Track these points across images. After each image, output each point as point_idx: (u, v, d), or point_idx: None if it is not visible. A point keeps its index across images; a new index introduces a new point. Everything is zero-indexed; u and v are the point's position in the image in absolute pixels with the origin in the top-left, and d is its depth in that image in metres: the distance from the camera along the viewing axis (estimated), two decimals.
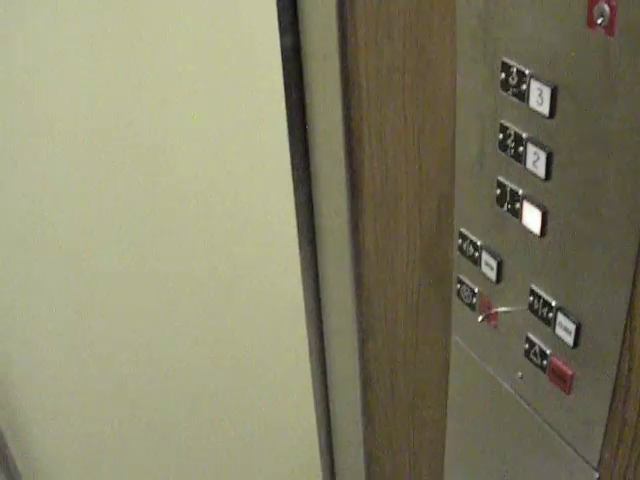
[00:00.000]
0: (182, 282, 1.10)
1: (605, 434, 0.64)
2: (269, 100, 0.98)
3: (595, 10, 0.50)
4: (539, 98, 0.58)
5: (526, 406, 0.73)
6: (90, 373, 1.10)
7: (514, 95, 0.60)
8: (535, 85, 0.58)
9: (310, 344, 1.21)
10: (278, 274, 1.15)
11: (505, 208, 0.66)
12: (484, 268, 0.72)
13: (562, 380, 0.66)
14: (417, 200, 0.83)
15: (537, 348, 0.68)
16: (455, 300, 0.79)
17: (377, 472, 1.22)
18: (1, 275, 0.97)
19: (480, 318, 0.75)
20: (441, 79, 0.72)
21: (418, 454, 1.05)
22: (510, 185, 0.65)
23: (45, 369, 1.06)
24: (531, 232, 0.64)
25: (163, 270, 1.07)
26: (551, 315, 0.65)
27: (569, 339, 0.63)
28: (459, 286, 0.77)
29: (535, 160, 0.60)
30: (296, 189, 1.05)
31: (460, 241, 0.75)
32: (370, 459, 1.22)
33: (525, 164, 0.62)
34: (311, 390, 1.27)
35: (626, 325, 0.58)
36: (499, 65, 0.61)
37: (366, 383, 1.13)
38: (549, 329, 0.65)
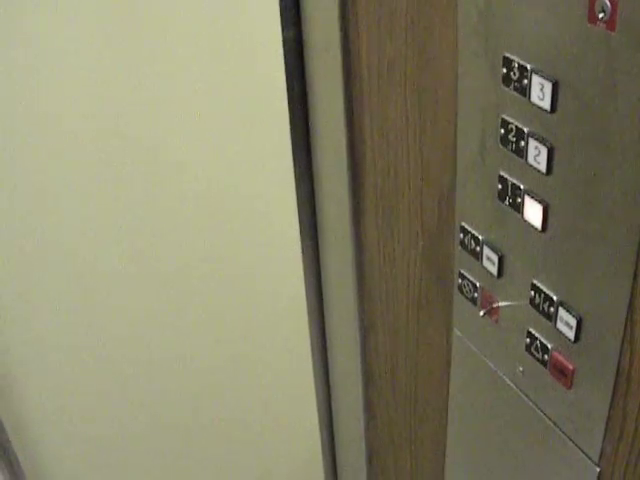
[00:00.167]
0: (183, 279, 1.10)
1: (606, 428, 0.64)
2: (271, 95, 0.98)
3: (596, 5, 0.50)
4: (540, 93, 0.58)
5: (527, 400, 0.73)
6: (93, 372, 1.10)
7: (515, 90, 0.60)
8: (536, 80, 0.58)
9: (312, 341, 1.21)
10: (280, 270, 1.15)
11: (506, 203, 0.66)
12: (485, 263, 0.72)
13: (563, 374, 0.66)
14: (419, 195, 0.83)
15: (538, 342, 0.68)
16: (456, 295, 0.80)
17: (379, 468, 1.22)
18: (2, 274, 0.97)
19: (481, 313, 0.75)
20: (442, 73, 0.72)
21: (419, 449, 1.05)
22: (511, 180, 0.65)
23: (49, 367, 1.06)
24: (532, 227, 0.64)
25: (164, 267, 1.07)
26: (552, 309, 0.65)
27: (570, 333, 0.63)
28: (460, 281, 0.77)
29: (536, 155, 0.61)
30: (298, 184, 1.05)
31: (462, 236, 0.75)
32: (372, 455, 1.22)
33: (526, 159, 0.62)
34: (313, 387, 1.27)
35: (627, 319, 0.58)
36: (500, 60, 0.61)
37: (368, 379, 1.13)
38: (550, 323, 0.66)
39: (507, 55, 0.60)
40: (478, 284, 0.75)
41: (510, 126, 0.62)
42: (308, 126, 1.01)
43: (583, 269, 0.60)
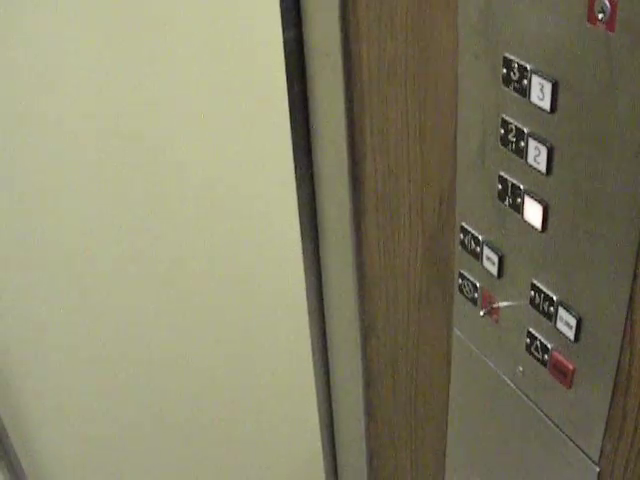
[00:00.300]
0: (184, 280, 1.10)
1: (606, 428, 0.64)
2: (271, 95, 0.98)
3: (596, 5, 0.51)
4: (540, 93, 0.58)
5: (527, 400, 0.73)
6: (93, 371, 1.10)
7: (515, 90, 0.61)
8: (536, 80, 0.58)
9: (313, 341, 1.21)
10: (280, 271, 1.15)
11: (506, 203, 0.66)
12: (486, 263, 0.72)
13: (563, 374, 0.66)
14: (419, 195, 0.83)
15: (538, 342, 0.68)
16: (457, 295, 0.80)
17: (379, 468, 1.22)
18: (1, 273, 0.97)
19: (482, 313, 0.75)
20: (443, 74, 0.72)
21: (420, 450, 1.05)
22: (511, 180, 0.65)
23: (49, 367, 1.06)
24: (532, 227, 0.64)
25: (164, 268, 1.07)
26: (552, 309, 0.65)
27: (570, 333, 0.64)
28: (461, 281, 0.78)
29: (536, 155, 0.61)
30: (298, 185, 1.05)
31: (462, 236, 0.75)
32: (372, 456, 1.23)
33: (526, 159, 0.62)
34: (314, 387, 1.27)
35: (627, 319, 0.58)
36: (500, 60, 0.61)
37: (368, 380, 1.13)
38: (550, 323, 0.66)
39: (507, 55, 0.60)
40: (478, 284, 0.75)
41: (510, 126, 0.63)
42: (309, 127, 1.02)
43: (583, 269, 0.61)
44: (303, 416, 1.31)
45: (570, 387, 0.66)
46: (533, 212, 0.63)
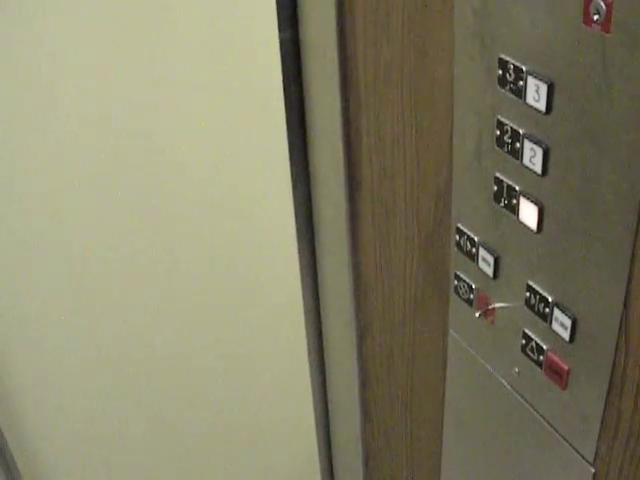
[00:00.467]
0: (180, 281, 1.10)
1: (601, 429, 0.64)
2: (268, 95, 0.98)
3: (591, 7, 0.51)
4: (536, 94, 0.58)
5: (523, 401, 0.73)
6: (91, 373, 1.10)
7: (511, 91, 0.61)
8: (532, 81, 0.58)
9: (309, 342, 1.21)
10: (276, 272, 1.15)
11: (502, 204, 0.66)
12: (481, 264, 0.72)
13: (558, 375, 0.66)
14: (415, 196, 0.83)
15: (534, 343, 0.68)
16: (452, 296, 0.80)
17: (375, 469, 1.22)
18: (1, 273, 0.97)
19: (477, 314, 0.75)
20: (439, 75, 0.72)
21: (416, 450, 1.06)
22: (507, 181, 0.65)
23: (46, 368, 1.06)
24: (528, 228, 0.64)
25: (161, 268, 1.07)
26: (547, 310, 0.65)
27: (565, 334, 0.64)
28: (456, 282, 0.78)
29: (532, 156, 0.61)
30: (294, 186, 1.05)
31: (457, 237, 0.75)
32: (368, 456, 1.23)
33: (522, 160, 0.62)
34: (310, 388, 1.27)
35: (621, 320, 0.58)
36: (496, 61, 0.61)
37: (364, 381, 1.13)
38: (545, 324, 0.66)
39: (503, 57, 0.61)
40: (474, 285, 0.75)
41: (506, 127, 0.63)
42: (305, 127, 1.02)
43: (578, 270, 0.61)
44: (299, 416, 1.31)
45: (565, 388, 0.66)
46: (528, 213, 0.63)
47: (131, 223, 1.02)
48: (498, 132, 0.64)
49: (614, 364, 0.60)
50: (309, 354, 1.23)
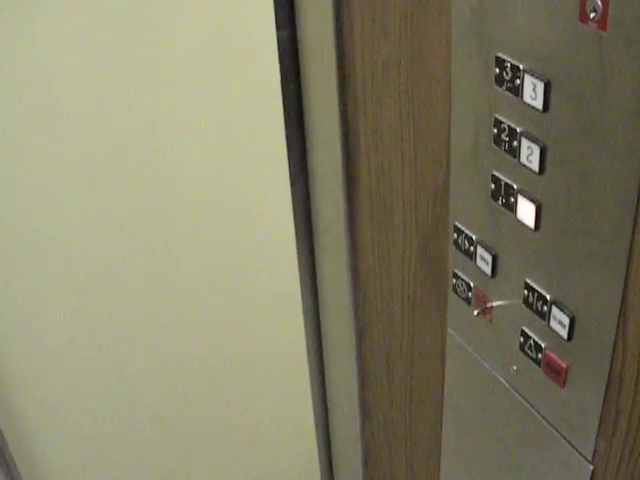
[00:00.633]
0: (178, 281, 1.10)
1: (599, 426, 0.65)
2: (266, 94, 0.98)
3: (588, 5, 0.51)
4: (533, 92, 0.58)
5: (521, 399, 0.73)
6: (91, 373, 1.10)
7: (508, 90, 0.61)
8: (529, 80, 0.58)
9: (307, 341, 1.21)
10: (275, 271, 1.15)
11: (500, 202, 0.67)
12: (479, 262, 0.73)
13: (557, 373, 0.66)
14: (413, 195, 0.83)
15: (532, 341, 0.68)
16: (451, 294, 0.80)
17: (375, 468, 1.22)
18: (1, 273, 0.97)
19: (475, 312, 0.75)
20: (436, 74, 0.72)
21: (415, 449, 1.06)
22: (504, 179, 0.65)
23: (46, 367, 1.06)
24: (525, 226, 0.64)
25: (160, 269, 1.07)
26: (545, 308, 0.65)
27: (563, 332, 0.64)
28: (455, 280, 0.78)
29: (529, 154, 0.61)
30: (293, 185, 1.06)
31: (455, 235, 0.75)
32: (367, 455, 1.23)
33: (519, 158, 0.62)
34: (309, 388, 1.27)
35: (619, 317, 0.58)
36: (493, 60, 0.61)
37: (363, 380, 1.13)
38: (544, 322, 0.66)
39: (500, 55, 0.61)
40: (472, 284, 0.75)
41: (503, 126, 0.63)
42: (303, 127, 1.02)
43: (576, 268, 0.61)
44: (298, 417, 1.31)
45: (564, 386, 0.66)
46: (526, 211, 0.64)
47: (130, 223, 1.02)
48: (495, 130, 0.64)
49: (612, 361, 0.60)
50: (308, 354, 1.23)
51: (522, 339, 0.70)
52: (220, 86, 0.98)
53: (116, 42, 0.90)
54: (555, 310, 0.64)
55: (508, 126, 0.62)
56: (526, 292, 0.67)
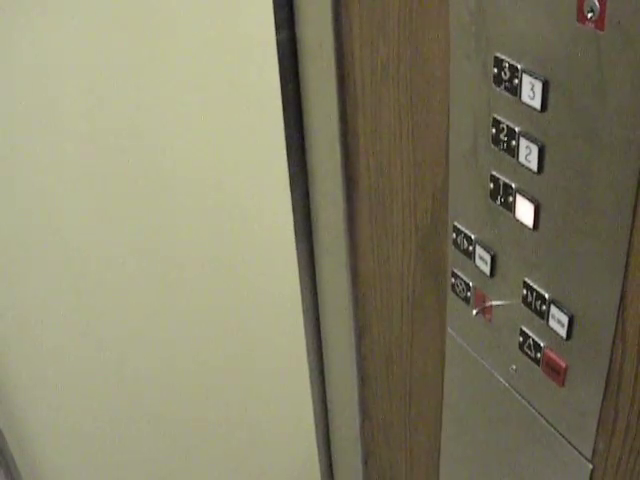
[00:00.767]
0: (178, 282, 1.10)
1: (598, 425, 0.65)
2: (265, 95, 0.98)
3: (585, 5, 0.51)
4: (531, 92, 0.58)
5: (520, 399, 0.73)
6: (90, 373, 1.10)
7: (506, 89, 0.61)
8: (527, 79, 0.58)
9: (307, 342, 1.21)
10: (275, 271, 1.16)
11: (498, 202, 0.67)
12: (478, 262, 0.73)
13: (556, 372, 0.66)
14: (412, 194, 0.83)
15: (531, 341, 0.68)
16: (450, 294, 0.80)
17: (374, 467, 1.22)
18: (1, 273, 0.97)
19: (475, 312, 0.75)
20: (435, 74, 0.72)
21: (415, 448, 1.06)
22: (503, 179, 0.65)
23: (46, 367, 1.06)
24: (524, 225, 0.64)
25: (159, 269, 1.07)
26: (544, 308, 0.65)
27: (562, 331, 0.64)
28: (454, 280, 0.78)
29: (527, 154, 0.61)
30: (292, 185, 1.06)
31: (454, 235, 0.75)
32: (367, 455, 1.23)
33: (518, 158, 0.62)
34: (309, 388, 1.27)
35: (618, 316, 0.58)
36: (491, 60, 0.62)
37: (363, 380, 1.13)
38: (542, 322, 0.66)
39: (498, 55, 0.61)
40: (471, 283, 0.75)
41: (501, 125, 0.63)
42: (302, 127, 1.02)
43: (574, 267, 0.61)
44: (298, 417, 1.31)
45: (563, 385, 0.66)
46: (525, 211, 0.64)
47: (130, 223, 1.02)
48: (494, 130, 0.64)
49: (611, 360, 0.61)
50: (308, 354, 1.23)
51: (521, 338, 0.70)
52: (219, 87, 0.98)
53: (116, 43, 0.90)
54: (554, 309, 0.64)
55: (506, 126, 0.62)
56: (525, 291, 0.67)
